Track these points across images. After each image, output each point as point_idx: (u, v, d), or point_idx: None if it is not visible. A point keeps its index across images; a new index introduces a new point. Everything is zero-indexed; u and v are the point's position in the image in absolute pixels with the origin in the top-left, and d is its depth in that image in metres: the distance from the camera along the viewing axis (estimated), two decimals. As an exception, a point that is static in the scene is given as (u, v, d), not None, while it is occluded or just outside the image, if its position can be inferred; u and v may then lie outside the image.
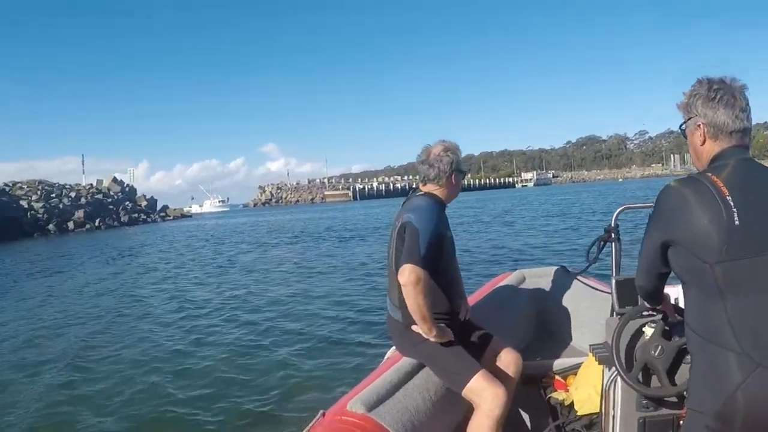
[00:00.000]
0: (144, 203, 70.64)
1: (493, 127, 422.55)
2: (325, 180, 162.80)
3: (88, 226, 50.24)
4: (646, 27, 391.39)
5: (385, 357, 2.99)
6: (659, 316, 2.20)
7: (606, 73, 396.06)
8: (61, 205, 52.01)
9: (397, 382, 2.52)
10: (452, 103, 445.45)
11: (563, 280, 3.85)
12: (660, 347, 2.09)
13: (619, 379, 2.26)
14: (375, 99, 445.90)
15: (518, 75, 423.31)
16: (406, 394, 2.49)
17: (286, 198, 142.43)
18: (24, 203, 48.83)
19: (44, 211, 48.82)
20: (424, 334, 2.50)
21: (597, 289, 3.55)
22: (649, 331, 2.15)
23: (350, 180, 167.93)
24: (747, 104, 1.63)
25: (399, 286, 2.49)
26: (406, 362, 2.66)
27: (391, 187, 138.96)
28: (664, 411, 2.24)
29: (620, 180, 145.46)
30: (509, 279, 3.97)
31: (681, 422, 2.01)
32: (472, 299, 3.45)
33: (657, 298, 1.97)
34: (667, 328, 2.14)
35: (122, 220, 57.25)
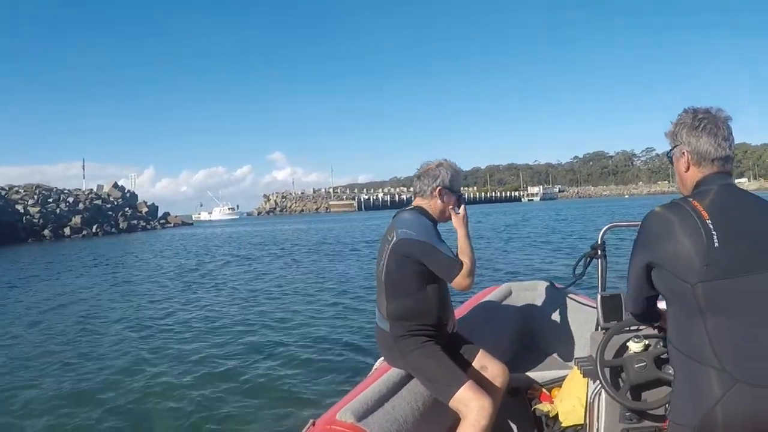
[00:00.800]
0: (145, 210, 69.54)
1: (500, 141, 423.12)
2: (330, 190, 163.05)
3: (84, 232, 49.31)
4: (657, 45, 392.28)
5: (374, 368, 3.01)
6: (643, 331, 2.29)
7: (615, 89, 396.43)
8: (58, 210, 51.01)
9: (386, 393, 2.54)
10: (460, 115, 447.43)
11: (550, 294, 3.92)
12: (644, 362, 2.16)
13: (603, 391, 2.30)
14: (383, 110, 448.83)
15: (527, 89, 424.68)
16: (394, 405, 2.52)
17: (290, 207, 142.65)
18: (20, 207, 47.81)
19: (40, 216, 47.80)
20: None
21: (583, 304, 3.62)
22: (633, 345, 2.22)
23: (356, 190, 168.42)
24: (730, 133, 1.74)
25: (387, 297, 2.63)
26: (394, 373, 2.68)
27: (397, 198, 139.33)
28: (647, 423, 2.29)
29: (626, 196, 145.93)
30: (496, 292, 4.05)
31: None
32: (459, 311, 3.54)
33: (649, 318, 2.05)
34: (650, 342, 2.22)
35: (121, 226, 56.23)
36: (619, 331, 2.30)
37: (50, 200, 53.25)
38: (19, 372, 6.73)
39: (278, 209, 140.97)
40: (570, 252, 16.99)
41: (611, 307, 2.53)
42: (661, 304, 2.01)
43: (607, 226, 3.13)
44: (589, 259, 3.05)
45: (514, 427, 3.30)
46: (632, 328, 2.31)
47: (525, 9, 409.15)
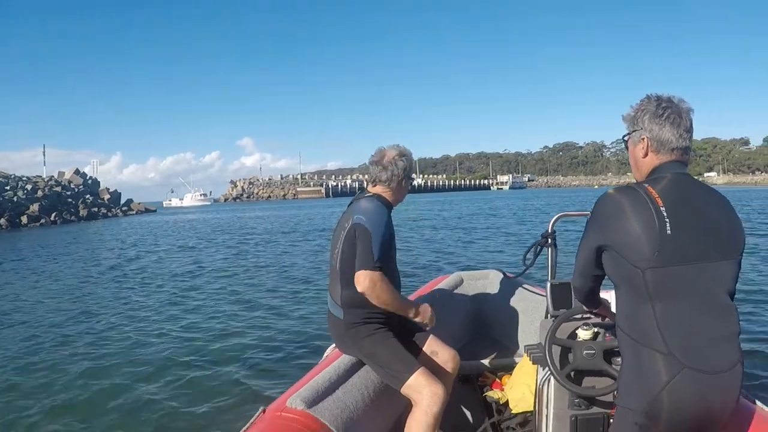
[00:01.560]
0: (107, 197, 67.33)
1: (470, 130, 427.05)
2: (299, 176, 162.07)
3: (42, 220, 47.22)
4: (626, 38, 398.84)
5: (325, 355, 3.03)
6: (592, 320, 2.32)
7: (585, 81, 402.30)
8: (15, 198, 49.11)
9: (337, 380, 2.55)
10: (430, 104, 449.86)
11: (501, 283, 3.95)
12: (593, 350, 2.20)
13: (552, 378, 2.32)
14: (352, 97, 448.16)
15: (498, 79, 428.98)
16: (345, 391, 2.52)
17: (257, 193, 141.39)
18: (-26, 195, 46.09)
19: (-5, 203, 46.22)
20: (405, 315, 2.65)
21: (533, 292, 3.68)
22: (582, 333, 2.26)
23: (324, 177, 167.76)
24: (691, 125, 1.75)
25: (341, 284, 2.61)
26: (345, 360, 2.69)
27: (365, 184, 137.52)
28: (596, 410, 2.31)
29: (596, 186, 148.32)
30: (447, 281, 4.05)
31: (612, 420, 2.04)
32: (412, 298, 3.51)
33: (593, 300, 2.05)
34: (599, 331, 2.26)
35: (81, 214, 54.10)
36: (568, 318, 2.32)
37: (7, 188, 51.31)
38: None
39: (245, 196, 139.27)
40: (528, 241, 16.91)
41: (560, 295, 2.56)
42: (604, 294, 2.07)
43: (557, 216, 3.17)
44: (539, 247, 3.08)
45: (465, 413, 3.29)
46: (581, 316, 2.34)
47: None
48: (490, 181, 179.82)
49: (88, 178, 69.87)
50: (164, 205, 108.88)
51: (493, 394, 3.23)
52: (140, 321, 8.55)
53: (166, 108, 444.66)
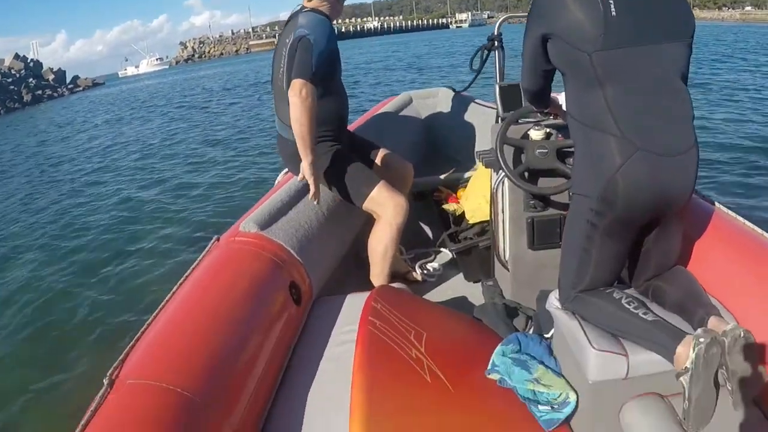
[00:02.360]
0: (51, 77, 63.33)
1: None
2: (250, 30, 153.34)
3: (-16, 112, 44.82)
4: None
5: (276, 181, 3.00)
6: (544, 120, 2.30)
7: None
8: (-49, 91, 45.94)
9: (289, 201, 2.55)
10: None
11: (450, 99, 3.92)
12: (545, 148, 2.16)
13: (506, 181, 2.33)
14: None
15: None
16: (298, 212, 2.52)
17: (209, 52, 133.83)
18: None
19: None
20: (301, 155, 2.37)
21: (484, 106, 3.65)
22: (534, 134, 2.24)
23: (276, 27, 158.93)
24: None
25: (287, 103, 2.38)
26: (296, 182, 2.63)
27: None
28: (552, 211, 2.32)
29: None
30: (396, 101, 4.04)
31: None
32: (359, 121, 3.63)
33: (543, 98, 2.02)
34: (552, 131, 2.24)
35: (25, 100, 50.89)
36: (519, 118, 2.29)
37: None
38: None
39: (197, 56, 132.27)
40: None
41: (510, 97, 2.48)
42: (554, 95, 2.07)
43: (503, 18, 3.07)
44: (486, 51, 2.95)
45: (423, 229, 3.43)
46: (534, 118, 2.33)
47: None
48: (449, 20, 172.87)
49: (29, 61, 64.70)
50: (120, 75, 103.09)
51: (449, 206, 3.28)
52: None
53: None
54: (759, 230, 1.91)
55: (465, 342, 2.17)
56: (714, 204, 2.12)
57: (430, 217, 3.44)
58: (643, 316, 1.63)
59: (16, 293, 5.13)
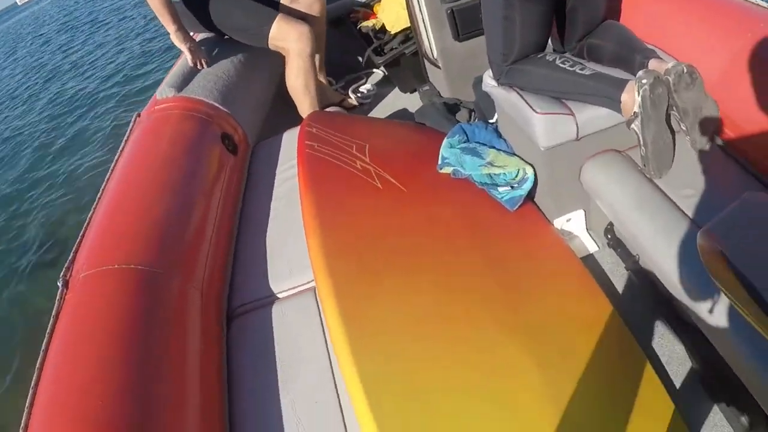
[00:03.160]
0: None
1: None
2: None
3: None
4: None
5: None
6: None
7: None
8: None
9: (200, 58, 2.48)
10: None
11: None
12: None
13: None
14: None
15: None
16: (214, 65, 2.47)
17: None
18: None
19: None
20: (165, 26, 2.38)
21: None
22: None
23: None
24: None
25: None
26: (204, 41, 2.59)
27: None
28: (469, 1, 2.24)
29: None
30: None
31: None
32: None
33: None
34: None
35: None
36: None
37: None
38: None
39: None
40: None
41: None
42: None
43: None
44: None
45: (348, 55, 3.32)
46: None
47: None
48: None
49: None
50: (20, 4, 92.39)
51: (368, 23, 3.16)
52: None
53: None
54: None
55: (410, 145, 2.15)
56: None
57: (352, 42, 3.31)
58: (581, 72, 1.58)
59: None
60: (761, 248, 0.59)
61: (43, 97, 8.17)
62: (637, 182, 1.57)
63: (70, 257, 1.54)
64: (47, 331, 1.32)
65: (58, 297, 1.41)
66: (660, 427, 1.30)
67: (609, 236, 1.82)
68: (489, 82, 1.85)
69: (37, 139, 6.07)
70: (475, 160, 1.84)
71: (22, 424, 1.13)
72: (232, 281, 1.76)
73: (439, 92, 2.61)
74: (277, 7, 2.58)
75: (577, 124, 1.61)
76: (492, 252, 1.63)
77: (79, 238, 1.63)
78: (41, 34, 21.50)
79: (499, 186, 1.81)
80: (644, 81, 1.42)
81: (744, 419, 1.35)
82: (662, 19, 1.75)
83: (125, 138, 2.11)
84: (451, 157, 1.88)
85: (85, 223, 1.69)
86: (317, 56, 2.68)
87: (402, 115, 2.82)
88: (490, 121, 2.07)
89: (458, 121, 2.33)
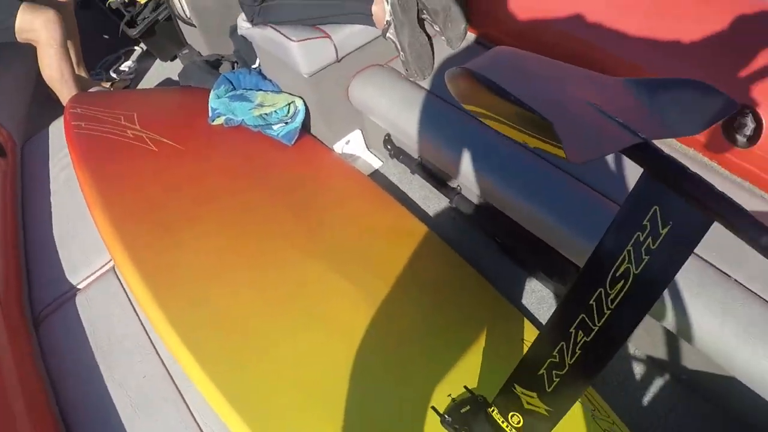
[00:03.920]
0: None
1: None
2: None
3: None
4: None
5: None
6: None
7: None
8: None
9: None
10: None
11: None
12: None
13: None
14: None
15: None
16: None
17: None
18: None
19: None
20: None
21: None
22: None
23: None
24: None
25: None
26: None
27: None
28: None
29: None
30: None
31: None
32: None
33: None
34: None
35: None
36: None
37: None
38: None
39: None
40: None
41: None
42: None
43: None
44: None
45: (102, 36, 3.12)
46: None
47: None
48: None
49: None
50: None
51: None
52: None
53: None
54: None
55: (179, 106, 2.10)
56: None
57: (103, 21, 3.10)
58: None
59: None
60: (513, 71, 0.62)
61: None
62: (404, 88, 1.68)
63: None
64: None
65: None
66: (478, 301, 1.44)
67: (389, 147, 1.93)
68: (243, 25, 1.84)
69: None
70: (244, 105, 1.84)
71: None
72: (30, 287, 1.66)
73: (199, 52, 2.56)
74: None
75: (335, 46, 1.66)
76: (278, 185, 1.66)
77: None
78: None
79: (273, 125, 1.82)
80: None
81: (555, 278, 1.54)
82: None
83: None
84: (220, 107, 1.85)
85: None
86: (70, 43, 2.52)
87: (168, 83, 2.73)
88: (253, 66, 2.06)
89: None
